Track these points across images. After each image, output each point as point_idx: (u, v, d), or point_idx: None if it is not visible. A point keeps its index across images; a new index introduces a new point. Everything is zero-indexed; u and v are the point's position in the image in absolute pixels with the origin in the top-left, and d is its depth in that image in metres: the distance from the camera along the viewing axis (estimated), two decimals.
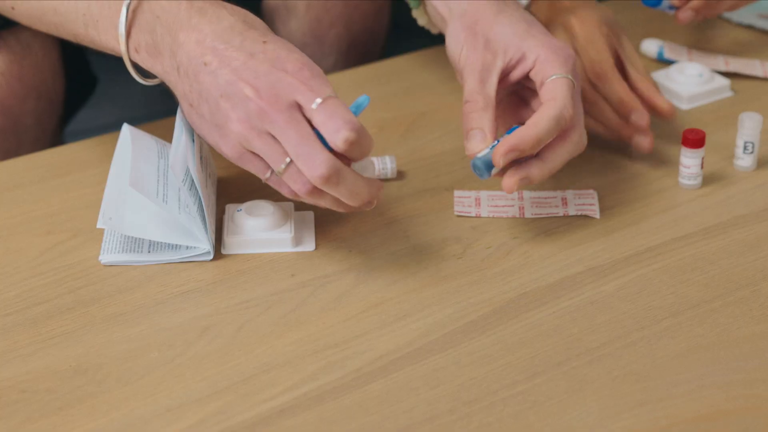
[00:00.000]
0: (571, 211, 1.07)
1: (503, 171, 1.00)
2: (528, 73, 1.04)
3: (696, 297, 0.97)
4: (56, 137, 1.33)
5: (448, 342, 0.92)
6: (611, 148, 1.17)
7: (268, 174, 0.96)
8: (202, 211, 1.00)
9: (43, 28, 1.08)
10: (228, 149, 0.96)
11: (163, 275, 0.99)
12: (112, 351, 0.92)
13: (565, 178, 1.12)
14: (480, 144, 1.01)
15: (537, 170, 1.00)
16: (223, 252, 1.02)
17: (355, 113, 0.95)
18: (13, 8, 1.08)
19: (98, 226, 1.00)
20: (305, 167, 0.92)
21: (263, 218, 1.03)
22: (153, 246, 1.01)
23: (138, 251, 1.01)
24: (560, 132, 1.00)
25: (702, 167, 1.10)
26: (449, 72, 1.29)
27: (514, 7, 1.07)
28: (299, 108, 0.93)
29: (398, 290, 0.98)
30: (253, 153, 0.95)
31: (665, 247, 1.03)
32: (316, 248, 1.03)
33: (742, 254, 1.02)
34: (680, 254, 1.02)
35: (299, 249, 1.02)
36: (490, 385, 0.88)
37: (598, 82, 1.14)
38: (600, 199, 1.09)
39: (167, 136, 1.09)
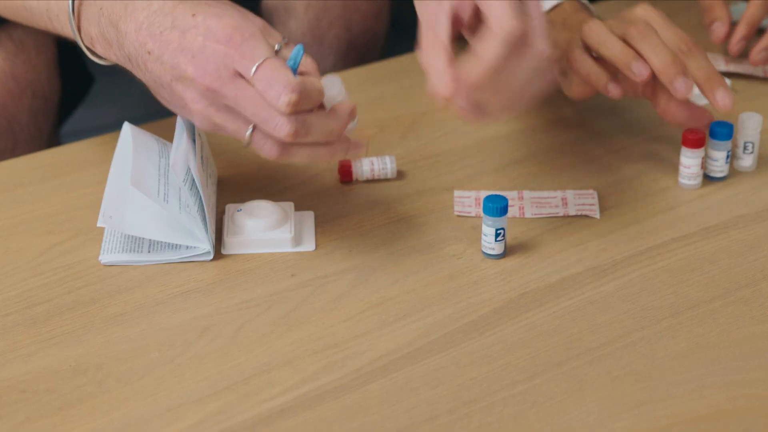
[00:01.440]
0: (571, 211, 1.07)
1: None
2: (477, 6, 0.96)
3: (696, 297, 0.97)
4: (52, 136, 1.33)
5: (448, 342, 0.92)
6: (611, 148, 1.17)
7: (242, 137, 0.96)
8: (203, 210, 1.00)
9: (22, 21, 1.10)
10: (200, 125, 0.97)
11: (163, 275, 0.99)
12: (112, 351, 0.92)
13: (565, 178, 1.12)
14: (434, 79, 0.93)
15: (492, 100, 0.95)
16: (223, 252, 1.02)
17: (293, 68, 0.94)
18: None
19: (99, 224, 0.99)
20: (270, 131, 0.93)
21: (263, 218, 1.03)
22: (153, 246, 1.01)
23: (138, 251, 1.01)
24: (514, 48, 0.92)
25: (702, 167, 1.10)
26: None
27: None
28: (242, 75, 0.93)
29: (398, 290, 0.98)
30: (220, 126, 0.96)
31: (665, 247, 1.03)
32: (316, 248, 1.03)
33: (742, 254, 1.02)
34: (680, 254, 1.02)
35: (299, 249, 1.02)
36: (490, 385, 0.88)
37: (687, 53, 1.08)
38: (600, 199, 1.09)
39: (166, 136, 1.09)
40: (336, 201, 1.09)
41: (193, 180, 1.00)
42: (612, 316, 0.95)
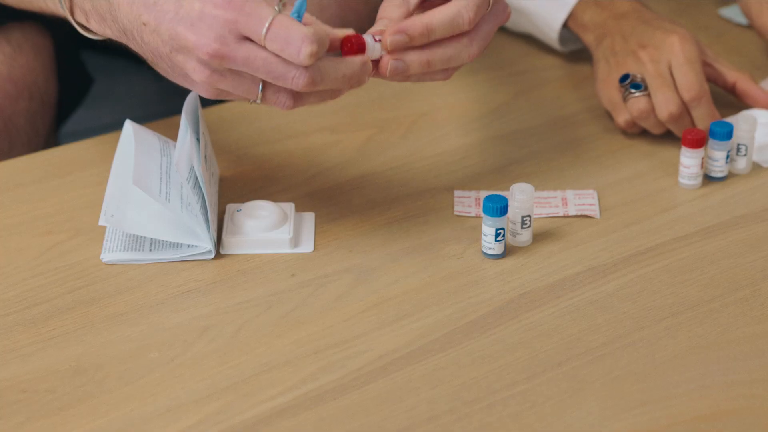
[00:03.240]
0: (572, 211, 1.07)
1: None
2: None
3: (696, 297, 0.97)
4: (50, 138, 1.33)
5: (448, 342, 0.92)
6: (611, 148, 1.17)
7: (253, 99, 0.95)
8: (205, 209, 1.00)
9: (13, 3, 1.08)
10: (204, 93, 0.96)
11: (163, 275, 0.99)
12: (112, 351, 0.92)
13: (565, 178, 1.12)
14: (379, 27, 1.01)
15: (416, 58, 0.99)
16: (222, 252, 1.02)
17: (299, 20, 0.94)
18: None
19: (100, 223, 0.99)
20: (286, 85, 0.92)
21: (262, 219, 1.03)
22: (154, 244, 1.01)
23: (139, 249, 1.01)
24: (453, 33, 0.99)
25: (702, 167, 1.10)
26: None
27: None
28: (247, 38, 0.92)
29: (398, 290, 0.98)
30: (226, 91, 0.95)
31: (665, 247, 1.03)
32: (316, 248, 1.03)
33: (742, 254, 1.02)
34: (680, 254, 1.02)
35: (298, 250, 1.02)
36: (490, 385, 0.88)
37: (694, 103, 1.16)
38: (600, 199, 1.09)
39: (166, 135, 1.09)
40: (336, 201, 1.09)
41: (197, 178, 1.00)
42: (612, 316, 0.95)
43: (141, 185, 0.99)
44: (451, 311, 0.96)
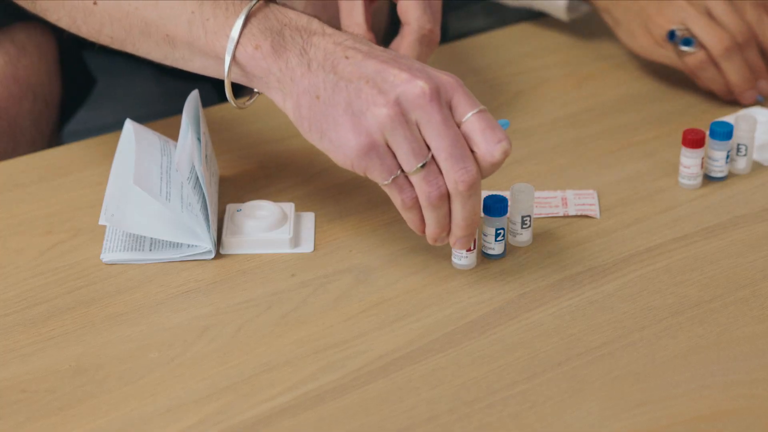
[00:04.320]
0: (571, 211, 1.07)
1: None
2: None
3: (696, 297, 0.97)
4: (54, 139, 1.33)
5: (448, 342, 0.92)
6: (611, 148, 1.17)
7: (395, 174, 0.91)
8: (206, 209, 1.00)
9: (120, 30, 0.99)
10: (358, 142, 0.90)
11: (163, 275, 0.99)
12: (112, 351, 0.92)
13: (565, 178, 1.12)
14: None
15: None
16: (222, 252, 1.02)
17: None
18: (95, 3, 1.00)
19: (100, 222, 0.99)
20: (457, 167, 0.90)
21: (262, 219, 1.03)
22: (154, 244, 1.01)
23: (140, 249, 1.01)
24: (428, 45, 1.08)
25: (702, 167, 1.10)
26: (449, 71, 1.28)
27: None
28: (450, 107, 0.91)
29: (398, 290, 0.98)
30: (382, 149, 0.91)
31: (665, 247, 1.03)
32: (316, 248, 1.03)
33: (742, 254, 1.02)
34: (680, 254, 1.02)
35: (298, 250, 1.02)
36: (490, 385, 0.88)
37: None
38: (600, 199, 1.09)
39: (167, 135, 1.09)
40: (336, 201, 1.09)
41: (197, 178, 1.00)
42: (612, 316, 0.95)
43: (141, 185, 0.99)
44: (451, 311, 0.96)
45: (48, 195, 1.10)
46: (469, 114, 0.91)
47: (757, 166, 1.13)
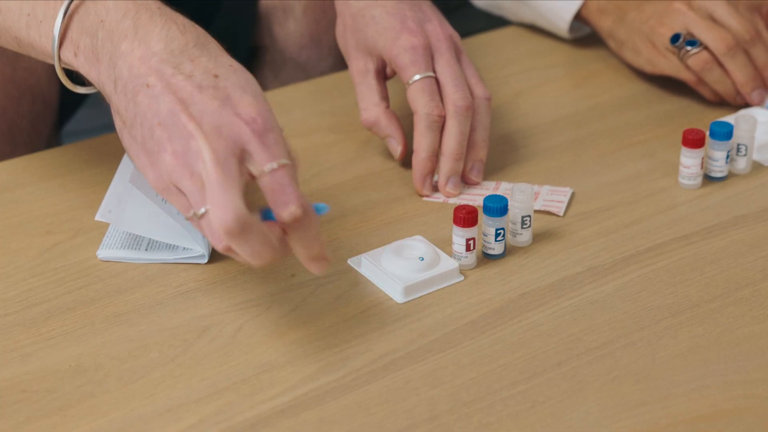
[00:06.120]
0: (537, 206, 1.07)
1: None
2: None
3: (696, 297, 0.97)
4: (53, 139, 1.33)
5: (448, 342, 0.92)
6: (611, 148, 1.17)
7: (191, 213, 0.86)
8: None
9: None
10: (154, 179, 0.87)
11: (163, 275, 0.99)
12: (112, 351, 0.92)
13: (565, 177, 1.12)
14: (397, 147, 1.12)
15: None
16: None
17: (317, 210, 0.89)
18: None
19: (96, 218, 0.99)
20: (215, 213, 0.83)
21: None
22: (151, 244, 1.01)
23: (136, 248, 1.01)
24: (440, 129, 1.09)
25: (702, 167, 1.10)
26: None
27: None
28: (241, 158, 0.85)
29: None
30: (175, 189, 0.87)
31: (665, 247, 1.03)
32: None
33: (742, 254, 1.02)
34: (680, 254, 1.02)
35: None
36: (490, 385, 0.88)
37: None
38: (600, 199, 1.09)
39: None
40: (336, 201, 1.09)
41: None
42: (612, 316, 0.95)
43: (138, 184, 0.99)
44: (451, 311, 0.96)
45: (48, 195, 1.10)
46: (264, 169, 0.85)
47: (757, 166, 1.13)
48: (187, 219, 0.87)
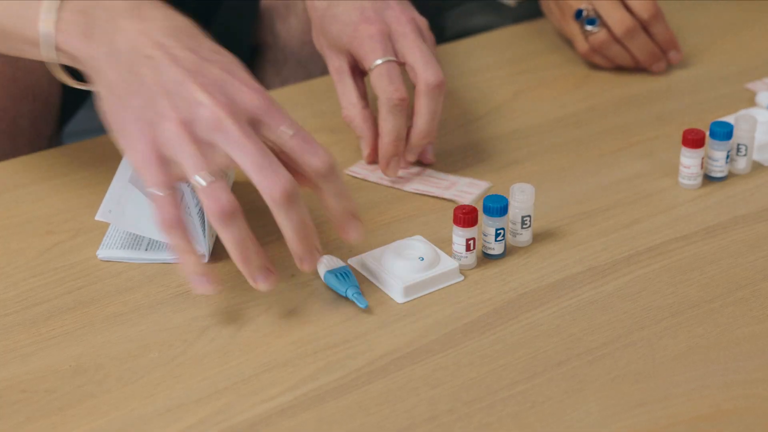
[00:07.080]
0: (446, 195, 1.08)
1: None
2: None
3: (696, 297, 0.97)
4: (53, 139, 1.33)
5: (448, 342, 0.92)
6: (611, 148, 1.17)
7: (190, 180, 0.88)
8: (203, 213, 1.00)
9: None
10: (141, 148, 0.88)
11: (163, 275, 0.99)
12: (112, 351, 0.92)
13: (565, 177, 1.12)
14: (365, 149, 1.11)
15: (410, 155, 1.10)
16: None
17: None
18: None
19: (96, 217, 0.99)
20: (267, 180, 0.87)
21: None
22: (151, 244, 1.01)
23: (136, 248, 1.01)
24: (403, 112, 1.08)
25: (702, 167, 1.10)
26: (448, 72, 1.29)
27: None
28: (255, 126, 0.88)
29: None
30: (164, 160, 0.88)
31: (665, 247, 1.03)
32: None
33: (742, 254, 1.02)
34: (680, 254, 1.02)
35: None
36: (490, 385, 0.88)
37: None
38: (600, 199, 1.09)
39: None
40: None
41: None
42: (612, 316, 0.95)
43: (138, 184, 0.99)
44: (451, 311, 0.96)
45: (48, 195, 1.10)
46: (282, 129, 0.88)
47: (757, 166, 1.13)
48: (173, 186, 0.88)
